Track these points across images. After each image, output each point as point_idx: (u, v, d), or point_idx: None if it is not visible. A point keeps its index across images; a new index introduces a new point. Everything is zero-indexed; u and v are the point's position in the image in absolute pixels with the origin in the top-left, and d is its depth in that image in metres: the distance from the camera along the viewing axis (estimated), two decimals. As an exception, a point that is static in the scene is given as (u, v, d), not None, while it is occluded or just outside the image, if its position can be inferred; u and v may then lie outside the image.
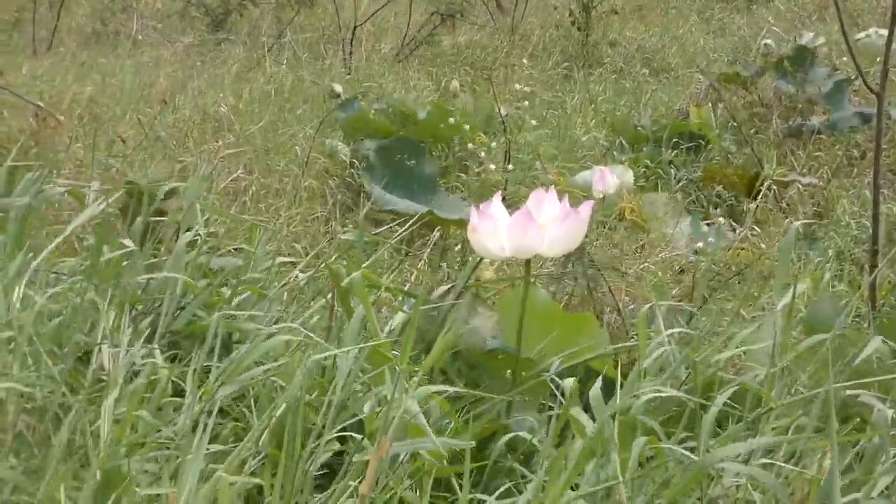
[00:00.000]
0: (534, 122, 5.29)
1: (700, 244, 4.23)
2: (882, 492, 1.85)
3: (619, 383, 2.09)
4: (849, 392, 2.10)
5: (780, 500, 1.73)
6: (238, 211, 4.51)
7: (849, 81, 6.68)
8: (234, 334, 2.49)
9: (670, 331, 2.32)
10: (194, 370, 2.10)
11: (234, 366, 2.17)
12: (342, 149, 5.42)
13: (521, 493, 1.96)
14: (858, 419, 2.09)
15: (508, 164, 5.22)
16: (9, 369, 2.05)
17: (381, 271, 3.98)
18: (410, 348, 1.77)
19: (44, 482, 1.77)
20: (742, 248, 4.34)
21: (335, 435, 2.00)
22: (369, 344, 2.18)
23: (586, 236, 2.46)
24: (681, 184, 5.64)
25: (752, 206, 5.10)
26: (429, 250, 4.19)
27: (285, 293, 2.98)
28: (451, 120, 5.47)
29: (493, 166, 5.09)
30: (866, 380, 2.10)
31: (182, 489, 1.73)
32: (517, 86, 5.92)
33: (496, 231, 2.33)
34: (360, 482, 1.86)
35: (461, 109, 6.01)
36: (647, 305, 2.33)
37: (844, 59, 7.24)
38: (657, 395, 2.00)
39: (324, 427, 2.04)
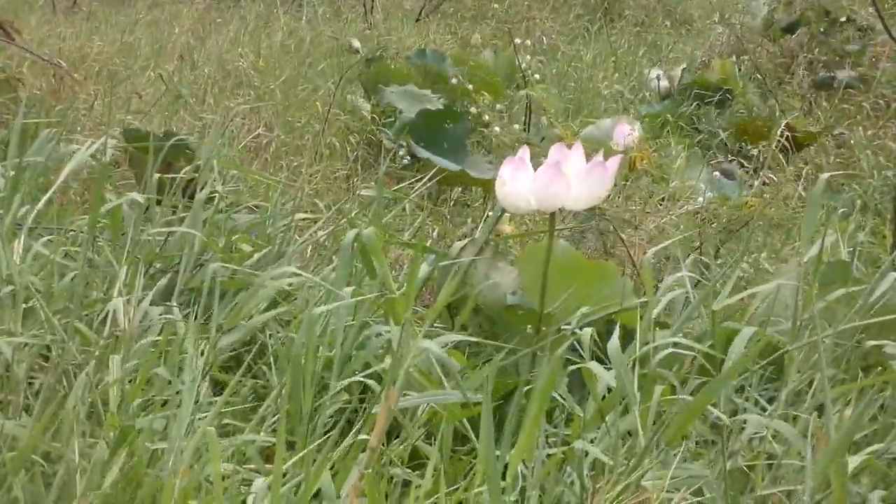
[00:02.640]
0: (537, 76, 5.21)
1: (706, 197, 4.20)
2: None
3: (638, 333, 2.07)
4: (872, 343, 2.08)
5: (801, 452, 1.71)
6: (259, 168, 4.49)
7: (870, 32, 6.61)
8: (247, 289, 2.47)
9: (676, 275, 2.30)
10: (195, 319, 2.08)
11: (235, 312, 2.16)
12: (363, 105, 5.39)
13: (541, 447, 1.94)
14: (880, 368, 2.07)
15: (528, 120, 5.19)
16: (14, 325, 2.04)
17: (403, 227, 3.97)
18: (413, 298, 1.76)
19: (57, 440, 1.76)
20: (752, 199, 4.29)
21: (343, 386, 1.99)
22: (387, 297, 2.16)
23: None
24: (702, 136, 5.60)
25: (772, 155, 5.05)
26: (450, 206, 4.17)
27: (306, 250, 2.97)
28: (453, 80, 5.35)
29: (516, 126, 5.05)
30: (882, 317, 2.07)
31: (173, 443, 1.72)
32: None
33: (524, 184, 2.32)
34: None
35: (482, 65, 5.96)
36: (653, 250, 2.31)
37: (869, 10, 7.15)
38: (675, 348, 1.98)
39: (330, 378, 2.03)
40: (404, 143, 4.86)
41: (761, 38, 6.99)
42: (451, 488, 1.81)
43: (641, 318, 2.10)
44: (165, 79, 5.31)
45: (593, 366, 1.94)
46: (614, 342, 1.90)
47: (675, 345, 2.02)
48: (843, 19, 6.73)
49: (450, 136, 4.82)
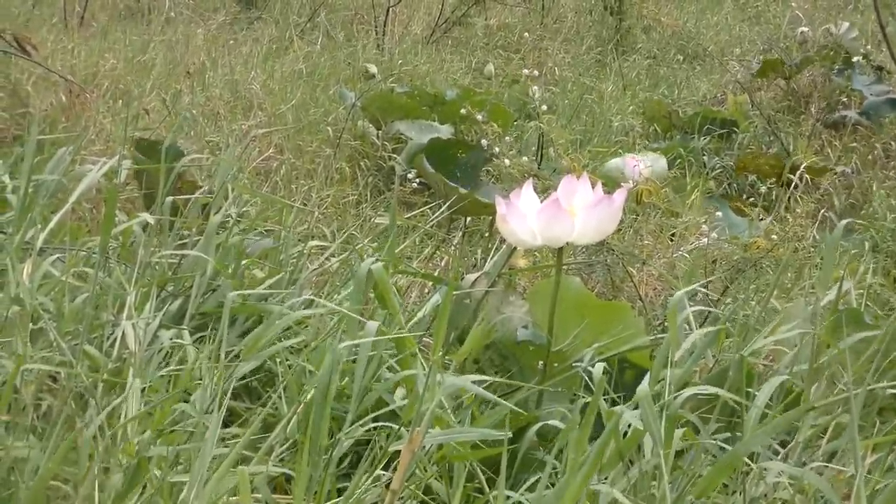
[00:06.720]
0: (544, 107, 5.16)
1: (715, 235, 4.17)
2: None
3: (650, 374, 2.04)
4: (891, 391, 2.05)
5: (827, 500, 1.68)
6: (269, 192, 4.47)
7: (885, 73, 6.62)
8: (263, 318, 2.45)
9: (690, 308, 2.27)
10: (211, 348, 2.06)
11: (252, 342, 2.14)
12: (373, 130, 5.38)
13: (553, 485, 1.91)
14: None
15: (541, 151, 5.16)
16: (23, 347, 2.02)
17: (412, 256, 3.95)
18: (442, 340, 1.73)
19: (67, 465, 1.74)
20: (760, 240, 4.26)
21: (360, 423, 1.97)
22: (400, 334, 2.14)
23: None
24: (714, 172, 5.59)
25: (782, 194, 5.03)
26: (460, 236, 4.14)
27: (317, 277, 2.94)
28: (463, 111, 5.23)
29: (525, 158, 5.01)
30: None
31: (195, 476, 1.70)
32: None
33: (526, 220, 2.30)
34: (386, 470, 1.83)
35: (492, 93, 5.95)
36: (679, 293, 2.27)
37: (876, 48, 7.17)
38: (700, 392, 1.95)
39: (347, 414, 2.01)
40: (415, 168, 4.81)
41: (776, 77, 6.97)
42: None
43: (653, 356, 2.08)
44: (170, 101, 5.30)
45: (624, 412, 1.91)
46: (644, 387, 1.86)
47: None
48: (857, 58, 6.73)
49: (462, 165, 4.75)
